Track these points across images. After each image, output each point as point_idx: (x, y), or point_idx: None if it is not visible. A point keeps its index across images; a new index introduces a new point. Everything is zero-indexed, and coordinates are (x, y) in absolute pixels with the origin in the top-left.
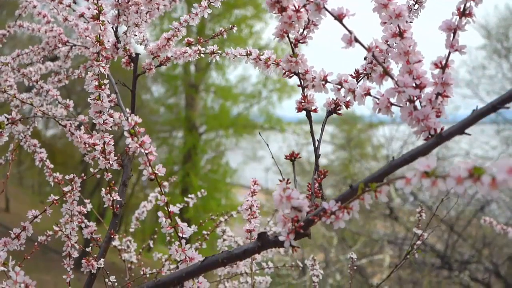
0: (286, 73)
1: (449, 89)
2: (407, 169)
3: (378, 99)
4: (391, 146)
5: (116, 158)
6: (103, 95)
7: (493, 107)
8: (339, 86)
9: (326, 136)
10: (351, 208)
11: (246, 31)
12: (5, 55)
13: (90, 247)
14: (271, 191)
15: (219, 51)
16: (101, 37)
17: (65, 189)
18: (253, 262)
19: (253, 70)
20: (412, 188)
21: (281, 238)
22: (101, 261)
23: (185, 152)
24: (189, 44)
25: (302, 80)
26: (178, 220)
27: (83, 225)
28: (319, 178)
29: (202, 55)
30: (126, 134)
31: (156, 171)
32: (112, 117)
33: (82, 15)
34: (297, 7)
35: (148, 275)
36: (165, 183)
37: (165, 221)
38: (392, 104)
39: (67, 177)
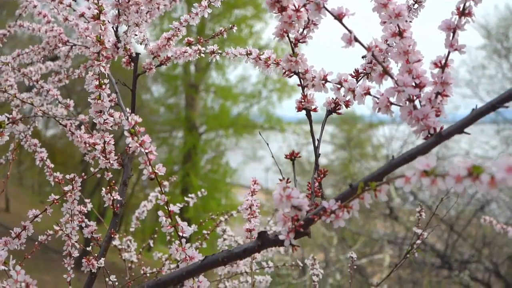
0: (286, 73)
1: (449, 89)
2: (407, 168)
3: (377, 98)
4: (391, 146)
5: (116, 157)
6: (104, 94)
7: (492, 106)
8: (339, 86)
9: (326, 136)
10: (351, 207)
11: (246, 31)
12: (5, 55)
13: (90, 247)
14: (271, 191)
15: (219, 51)
16: (101, 36)
17: (66, 188)
18: (253, 261)
19: (253, 70)
20: (412, 187)
21: (281, 237)
22: (102, 260)
23: (185, 152)
24: (189, 44)
25: (302, 80)
26: (178, 219)
27: (83, 225)
28: (319, 177)
29: (202, 54)
30: (126, 133)
31: (156, 170)
32: (112, 116)
33: (82, 15)
34: (297, 6)
35: (148, 275)
36: (165, 183)
37: (166, 220)
38: (391, 103)
39: (67, 176)
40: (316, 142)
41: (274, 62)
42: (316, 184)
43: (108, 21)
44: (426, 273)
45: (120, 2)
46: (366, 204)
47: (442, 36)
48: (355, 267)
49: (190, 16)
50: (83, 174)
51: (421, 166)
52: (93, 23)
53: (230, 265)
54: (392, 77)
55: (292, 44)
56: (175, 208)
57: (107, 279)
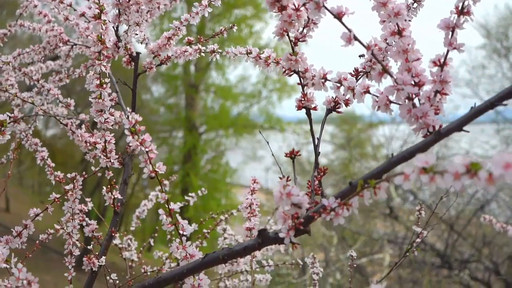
0: (286, 72)
1: (448, 87)
2: (406, 166)
3: (377, 96)
4: (391, 145)
5: (117, 156)
6: (104, 93)
7: (491, 104)
8: (339, 84)
9: (326, 136)
10: (351, 205)
11: (246, 31)
12: (6, 55)
13: (91, 245)
14: (271, 191)
15: (219, 50)
16: (102, 36)
17: (67, 187)
18: (253, 260)
19: (253, 70)
20: (412, 186)
21: (281, 235)
22: (103, 259)
23: (185, 152)
24: (189, 43)
25: (302, 78)
26: (179, 218)
27: (84, 224)
28: (319, 176)
29: (202, 54)
30: (126, 132)
31: (156, 169)
32: (113, 115)
33: (83, 15)
34: (297, 5)
35: (149, 273)
36: (165, 182)
37: (166, 219)
38: (391, 101)
39: (68, 175)
40: (316, 141)
41: (274, 61)
42: (316, 182)
43: (108, 20)
44: (426, 272)
45: (120, 1)
46: (366, 202)
47: (441, 35)
48: (355, 265)
49: (190, 16)
50: (84, 173)
51: (420, 163)
52: (94, 23)
53: (231, 263)
54: (391, 76)
55: (292, 43)
56: (175, 206)
57: (107, 277)
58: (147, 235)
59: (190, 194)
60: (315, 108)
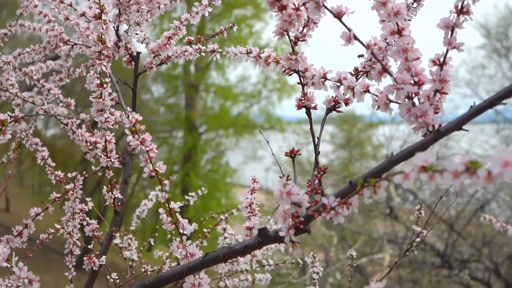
0: (286, 71)
1: (447, 86)
2: (405, 165)
3: (377, 96)
4: (391, 145)
5: (117, 156)
6: (105, 93)
7: (490, 103)
8: (339, 84)
9: (326, 135)
10: (351, 204)
11: (246, 31)
12: (6, 55)
13: (91, 245)
14: (271, 191)
15: (220, 50)
16: (103, 36)
17: (68, 186)
18: (253, 259)
19: (253, 70)
20: (412, 186)
21: (281, 234)
22: (103, 258)
23: (185, 152)
24: (189, 43)
25: (302, 78)
26: (179, 217)
27: (84, 223)
28: (319, 175)
29: (202, 53)
30: (127, 131)
31: (157, 168)
32: (113, 115)
33: (83, 14)
34: (297, 5)
35: (149, 273)
36: (166, 182)
37: (166, 218)
38: (390, 101)
39: (69, 175)
40: (316, 140)
41: (274, 60)
42: (316, 181)
43: (109, 20)
44: (426, 272)
45: (121, 1)
46: (366, 201)
47: (441, 34)
48: (355, 265)
49: (190, 15)
50: (84, 172)
51: (419, 162)
52: (94, 22)
53: (231, 263)
54: (391, 75)
55: (292, 43)
56: (176, 205)
57: (108, 277)
58: (147, 235)
59: (190, 193)
60: (315, 108)
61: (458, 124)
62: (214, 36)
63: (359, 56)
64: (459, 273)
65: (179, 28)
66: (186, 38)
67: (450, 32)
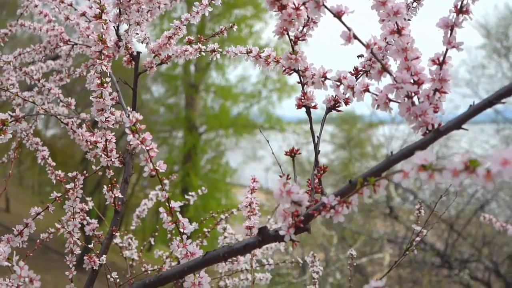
0: (286, 70)
1: (447, 85)
2: (405, 164)
3: (376, 95)
4: (391, 145)
5: (117, 155)
6: (105, 93)
7: (489, 102)
8: (338, 83)
9: (326, 135)
10: (350, 202)
11: (246, 31)
12: (6, 55)
13: (92, 244)
14: (271, 190)
15: (220, 49)
16: (103, 35)
17: (68, 186)
18: (253, 259)
19: (253, 70)
20: (412, 185)
21: (281, 233)
22: (103, 257)
23: (185, 152)
24: (189, 43)
25: (301, 77)
26: (179, 216)
27: (85, 223)
28: (319, 174)
29: (202, 53)
30: (127, 131)
31: (157, 167)
32: (113, 115)
33: (83, 14)
34: (296, 5)
35: (149, 272)
36: (166, 181)
37: (167, 217)
38: (390, 100)
39: (69, 174)
40: (316, 139)
41: (274, 60)
42: (316, 180)
43: (109, 20)
44: (426, 272)
45: (121, 1)
46: (365, 199)
47: (441, 34)
48: (355, 265)
49: (190, 15)
50: (84, 172)
51: (419, 160)
52: (95, 22)
53: (231, 262)
54: (390, 74)
55: (292, 42)
56: (176, 204)
57: (108, 276)
58: (147, 235)
59: (190, 193)
60: (315, 107)
61: (458, 123)
62: (214, 36)
63: (358, 56)
64: (459, 273)
65: (179, 27)
66: (186, 38)
67: (449, 32)
